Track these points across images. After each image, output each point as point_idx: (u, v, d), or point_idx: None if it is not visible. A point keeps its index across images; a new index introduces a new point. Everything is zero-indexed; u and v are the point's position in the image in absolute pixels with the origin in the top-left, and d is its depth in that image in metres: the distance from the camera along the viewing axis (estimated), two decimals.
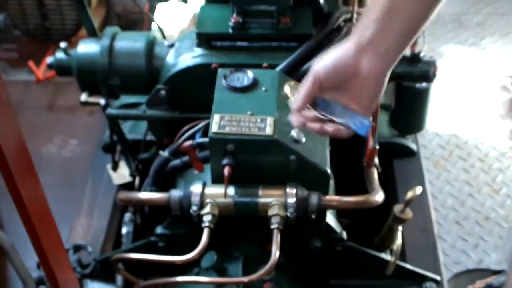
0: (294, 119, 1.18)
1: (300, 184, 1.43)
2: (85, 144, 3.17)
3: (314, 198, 1.42)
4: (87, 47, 1.91)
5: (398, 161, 2.16)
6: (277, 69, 1.63)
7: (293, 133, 1.39)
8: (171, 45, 1.89)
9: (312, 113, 1.16)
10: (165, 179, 1.72)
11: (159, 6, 2.57)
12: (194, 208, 1.43)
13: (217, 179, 1.44)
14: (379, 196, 1.50)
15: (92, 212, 2.05)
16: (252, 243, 1.58)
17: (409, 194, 1.58)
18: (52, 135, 3.28)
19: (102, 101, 1.90)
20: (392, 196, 2.01)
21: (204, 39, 1.76)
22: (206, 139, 1.48)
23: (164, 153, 1.64)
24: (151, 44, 1.90)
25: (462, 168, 2.99)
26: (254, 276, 1.39)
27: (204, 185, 1.45)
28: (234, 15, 1.73)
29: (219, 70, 1.50)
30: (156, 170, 1.68)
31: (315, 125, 1.17)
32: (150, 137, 2.04)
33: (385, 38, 1.08)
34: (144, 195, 1.59)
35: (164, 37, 2.18)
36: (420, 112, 2.10)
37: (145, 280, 1.62)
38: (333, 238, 1.62)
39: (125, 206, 2.03)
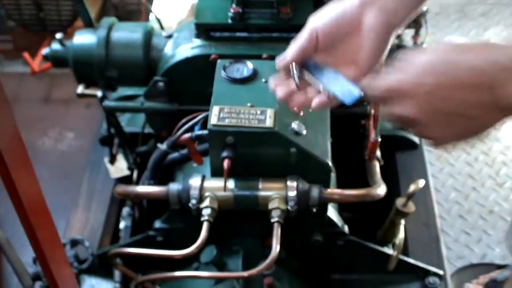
0: (279, 89, 1.14)
1: (301, 177, 1.43)
2: (82, 137, 3.17)
3: (315, 191, 1.42)
4: (83, 38, 1.90)
5: (401, 154, 2.16)
6: None
7: (294, 125, 1.38)
8: (169, 36, 1.88)
9: (293, 82, 1.11)
10: (164, 173, 1.71)
11: None
12: (193, 201, 1.43)
13: (216, 172, 1.44)
14: (381, 190, 1.50)
15: (89, 206, 2.05)
16: (252, 237, 1.58)
17: (412, 188, 1.58)
18: (48, 128, 3.27)
19: (99, 93, 1.90)
20: (394, 189, 2.01)
21: (203, 30, 1.76)
22: (205, 132, 1.48)
23: (163, 146, 1.64)
24: (148, 35, 1.89)
25: (465, 161, 2.99)
26: (254, 271, 1.39)
27: (203, 178, 1.45)
28: (234, 5, 1.72)
29: (218, 61, 1.49)
30: (154, 163, 1.68)
31: (300, 98, 1.12)
32: (148, 129, 2.04)
33: None
34: (142, 188, 1.59)
35: (162, 28, 2.17)
36: None
37: (144, 275, 1.62)
38: (335, 232, 1.62)
39: (123, 200, 2.03)
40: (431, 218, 1.98)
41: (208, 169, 1.47)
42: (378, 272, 1.70)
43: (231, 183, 1.43)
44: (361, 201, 1.48)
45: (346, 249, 1.65)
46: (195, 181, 1.45)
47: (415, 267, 1.72)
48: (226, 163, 1.36)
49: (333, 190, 1.48)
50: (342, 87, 1.08)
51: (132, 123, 2.19)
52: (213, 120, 1.36)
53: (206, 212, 1.41)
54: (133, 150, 2.10)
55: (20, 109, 3.28)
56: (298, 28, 1.72)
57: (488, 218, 2.74)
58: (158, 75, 1.81)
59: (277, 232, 1.39)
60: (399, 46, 1.99)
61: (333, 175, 1.51)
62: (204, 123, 1.54)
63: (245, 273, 1.41)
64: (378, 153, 1.65)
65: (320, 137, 1.45)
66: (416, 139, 2.17)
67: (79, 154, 2.92)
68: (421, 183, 1.59)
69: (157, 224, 1.63)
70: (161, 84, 1.80)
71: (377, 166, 1.62)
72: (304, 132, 1.39)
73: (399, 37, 2.02)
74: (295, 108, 1.15)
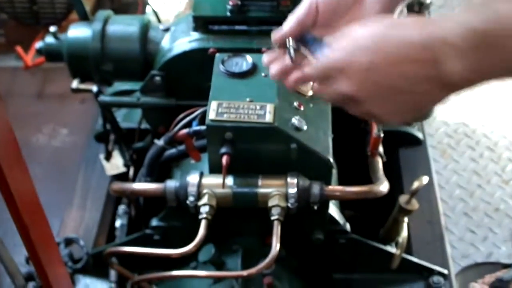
0: (273, 66, 1.12)
1: (302, 173, 1.43)
2: (77, 133, 3.18)
3: (316, 188, 1.42)
4: (78, 32, 1.90)
5: (404, 150, 2.16)
6: None
7: (294, 120, 1.38)
8: (167, 29, 1.88)
9: (288, 56, 1.08)
10: (161, 169, 1.71)
11: None
12: (191, 199, 1.43)
13: (215, 169, 1.44)
14: (383, 186, 1.50)
15: (84, 204, 2.05)
16: (252, 235, 1.58)
17: (415, 184, 1.58)
18: (41, 124, 3.28)
19: (94, 88, 1.90)
20: (397, 186, 2.01)
21: (201, 23, 1.75)
22: (203, 127, 1.47)
23: (160, 142, 1.64)
24: (145, 28, 1.89)
25: (470, 157, 2.99)
26: (253, 270, 1.39)
27: (201, 175, 1.45)
28: None
29: (217, 55, 1.49)
30: (151, 160, 1.68)
31: (296, 74, 1.09)
32: (144, 125, 2.03)
33: None
34: (139, 186, 1.59)
35: (159, 20, 2.17)
36: None
37: (140, 274, 1.62)
38: (336, 230, 1.62)
39: (119, 197, 2.02)
40: (435, 215, 1.98)
41: (206, 165, 1.47)
42: (380, 271, 1.70)
43: (230, 180, 1.43)
44: (363, 198, 1.48)
45: (347, 247, 1.65)
46: (193, 178, 1.44)
47: (419, 266, 1.72)
48: (224, 160, 1.36)
49: (335, 187, 1.48)
50: None
51: (128, 119, 2.19)
52: (212, 115, 1.36)
53: (204, 209, 1.41)
54: (129, 147, 2.10)
55: (13, 104, 3.29)
56: None
57: (494, 215, 2.74)
58: (155, 69, 1.81)
59: (277, 230, 1.39)
60: None
61: (334, 172, 1.51)
62: (202, 119, 1.54)
63: (244, 272, 1.41)
64: (381, 149, 1.65)
65: (321, 133, 1.45)
66: (419, 134, 2.17)
67: (74, 150, 2.92)
68: (425, 179, 1.59)
69: (154, 222, 1.63)
70: (158, 78, 1.80)
71: (379, 163, 1.62)
72: (305, 127, 1.39)
73: None
74: (291, 85, 1.13)
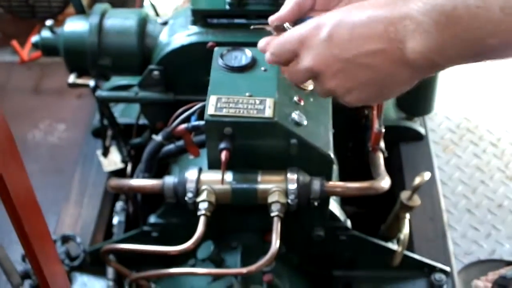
0: (268, 53, 1.10)
1: (302, 169, 1.43)
2: (74, 129, 3.17)
3: (316, 184, 1.42)
4: (75, 25, 1.90)
5: (405, 146, 2.17)
6: None
7: (294, 115, 1.38)
8: (165, 23, 1.88)
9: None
10: (159, 165, 1.72)
11: None
12: (190, 195, 1.43)
13: (213, 165, 1.44)
14: (385, 182, 1.50)
15: (81, 201, 2.05)
16: (251, 232, 1.58)
17: (417, 180, 1.59)
18: (38, 120, 3.27)
19: (91, 83, 1.90)
20: (399, 182, 2.02)
21: (200, 16, 1.75)
22: (202, 122, 1.48)
23: (158, 138, 1.64)
24: (143, 22, 1.89)
25: (473, 153, 2.99)
26: (253, 267, 1.39)
27: (200, 170, 1.45)
28: None
29: (216, 49, 1.49)
30: (149, 156, 1.68)
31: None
32: (142, 120, 2.04)
33: None
34: (137, 182, 1.59)
35: (157, 14, 2.17)
36: (428, 93, 2.10)
37: (138, 272, 1.63)
38: (337, 227, 1.62)
39: (117, 194, 2.03)
40: (437, 212, 1.99)
41: (205, 161, 1.47)
42: (382, 268, 1.71)
43: (229, 176, 1.43)
44: (364, 194, 1.48)
45: (348, 244, 1.65)
46: (191, 174, 1.45)
47: (421, 263, 1.72)
48: (224, 155, 1.36)
49: (335, 183, 1.48)
50: None
51: (126, 114, 2.19)
52: (210, 110, 1.36)
53: (203, 206, 1.41)
54: (127, 142, 2.10)
55: (8, 100, 3.28)
56: None
57: (497, 212, 2.74)
58: (153, 63, 1.81)
59: (277, 226, 1.39)
60: None
61: (335, 167, 1.51)
62: (201, 114, 1.53)
63: (244, 270, 1.41)
64: (382, 144, 1.65)
65: (321, 128, 1.45)
66: (421, 129, 2.17)
67: (71, 146, 2.93)
68: (427, 175, 1.59)
69: (152, 219, 1.63)
70: (156, 73, 1.80)
71: (381, 158, 1.62)
72: (305, 122, 1.39)
73: None
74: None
